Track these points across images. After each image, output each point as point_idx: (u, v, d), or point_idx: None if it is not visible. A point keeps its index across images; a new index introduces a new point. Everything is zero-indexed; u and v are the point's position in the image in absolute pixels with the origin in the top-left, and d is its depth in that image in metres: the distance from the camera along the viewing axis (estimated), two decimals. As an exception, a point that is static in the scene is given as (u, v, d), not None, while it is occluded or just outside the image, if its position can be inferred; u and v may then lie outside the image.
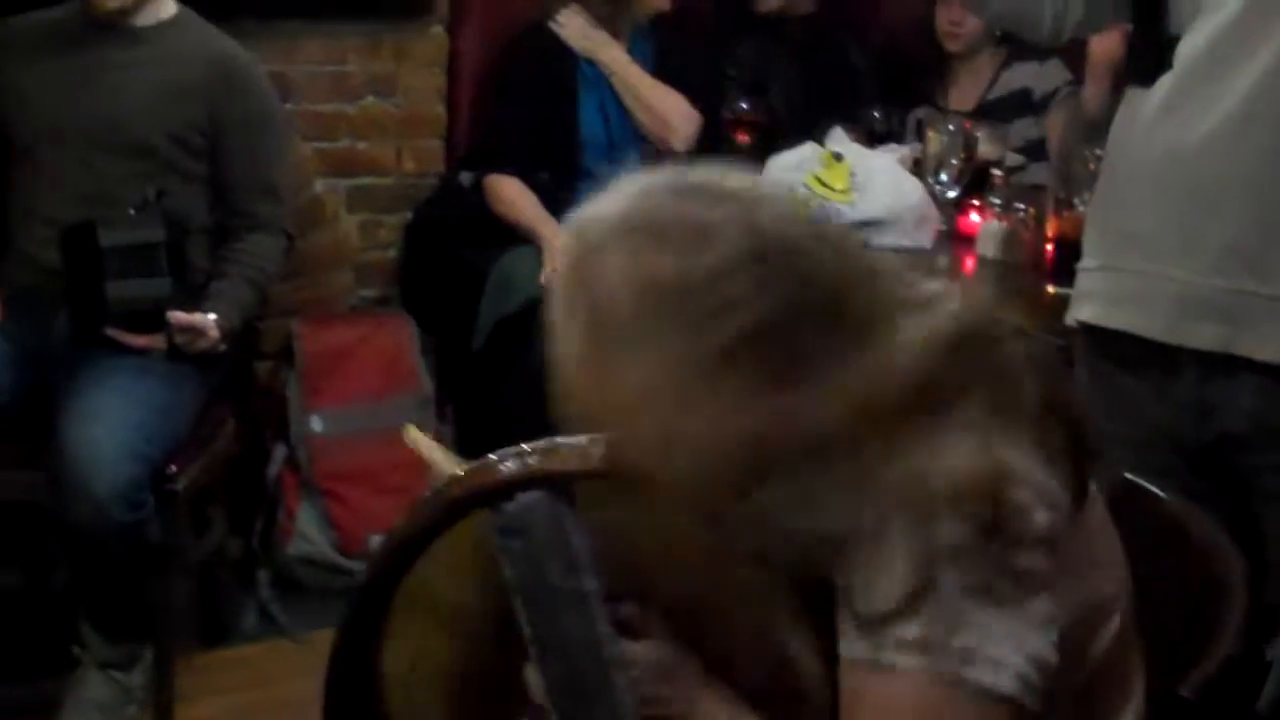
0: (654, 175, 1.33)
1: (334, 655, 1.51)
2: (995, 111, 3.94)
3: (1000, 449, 1.25)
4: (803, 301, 1.25)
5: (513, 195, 3.68)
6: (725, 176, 1.32)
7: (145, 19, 3.05)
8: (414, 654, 1.51)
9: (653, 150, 3.73)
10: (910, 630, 1.23)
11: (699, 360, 1.24)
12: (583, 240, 1.30)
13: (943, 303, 1.32)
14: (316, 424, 3.61)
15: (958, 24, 3.95)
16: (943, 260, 3.32)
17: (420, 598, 1.49)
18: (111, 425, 2.73)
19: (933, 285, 1.35)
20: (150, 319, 2.88)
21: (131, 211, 2.92)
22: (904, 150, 3.65)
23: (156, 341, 2.90)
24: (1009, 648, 1.23)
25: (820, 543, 1.25)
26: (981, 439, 1.25)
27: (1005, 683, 1.23)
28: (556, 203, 3.50)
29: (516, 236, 3.63)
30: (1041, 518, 1.24)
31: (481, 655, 1.49)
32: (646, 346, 1.25)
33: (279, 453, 3.60)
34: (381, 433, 3.56)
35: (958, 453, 1.24)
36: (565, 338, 1.30)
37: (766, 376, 1.25)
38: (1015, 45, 3.93)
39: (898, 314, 1.29)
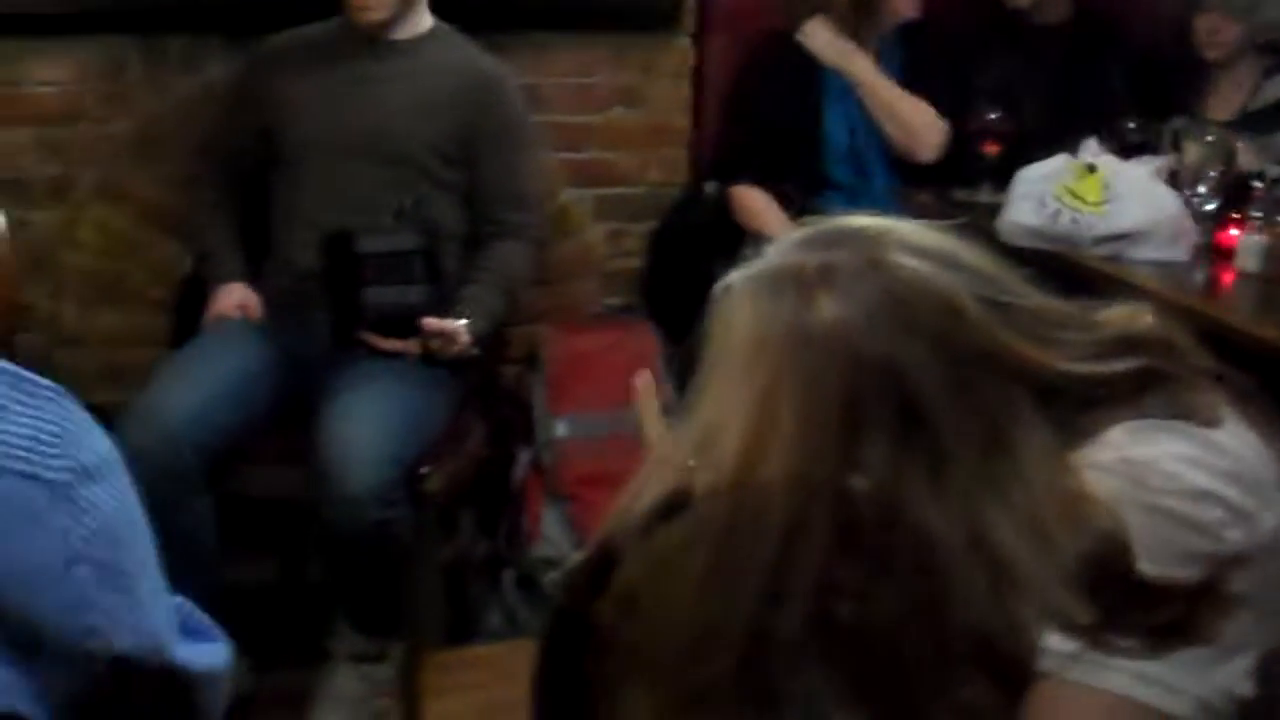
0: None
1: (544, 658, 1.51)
2: (1257, 122, 3.81)
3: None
4: (935, 338, 1.15)
5: (757, 205, 3.69)
6: (853, 219, 1.25)
7: (404, 33, 3.14)
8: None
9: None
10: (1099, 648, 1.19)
11: (822, 409, 1.15)
12: (724, 290, 1.25)
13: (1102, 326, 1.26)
14: (561, 429, 3.67)
15: (1217, 32, 3.84)
16: (1200, 275, 3.23)
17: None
18: (367, 427, 2.82)
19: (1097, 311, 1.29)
20: (405, 324, 2.97)
21: (389, 220, 3.02)
22: (1160, 162, 3.56)
23: (410, 346, 2.99)
24: (1187, 674, 1.18)
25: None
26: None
27: (1180, 708, 1.18)
28: (801, 213, 3.49)
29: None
30: (1235, 535, 1.20)
31: None
32: (758, 394, 1.17)
33: (524, 456, 3.67)
34: (624, 438, 3.59)
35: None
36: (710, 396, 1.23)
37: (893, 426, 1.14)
38: (1278, 53, 3.80)
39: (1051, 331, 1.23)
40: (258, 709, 2.96)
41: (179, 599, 1.14)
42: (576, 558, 1.32)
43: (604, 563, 1.34)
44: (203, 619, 1.17)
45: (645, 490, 1.24)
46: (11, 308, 2.06)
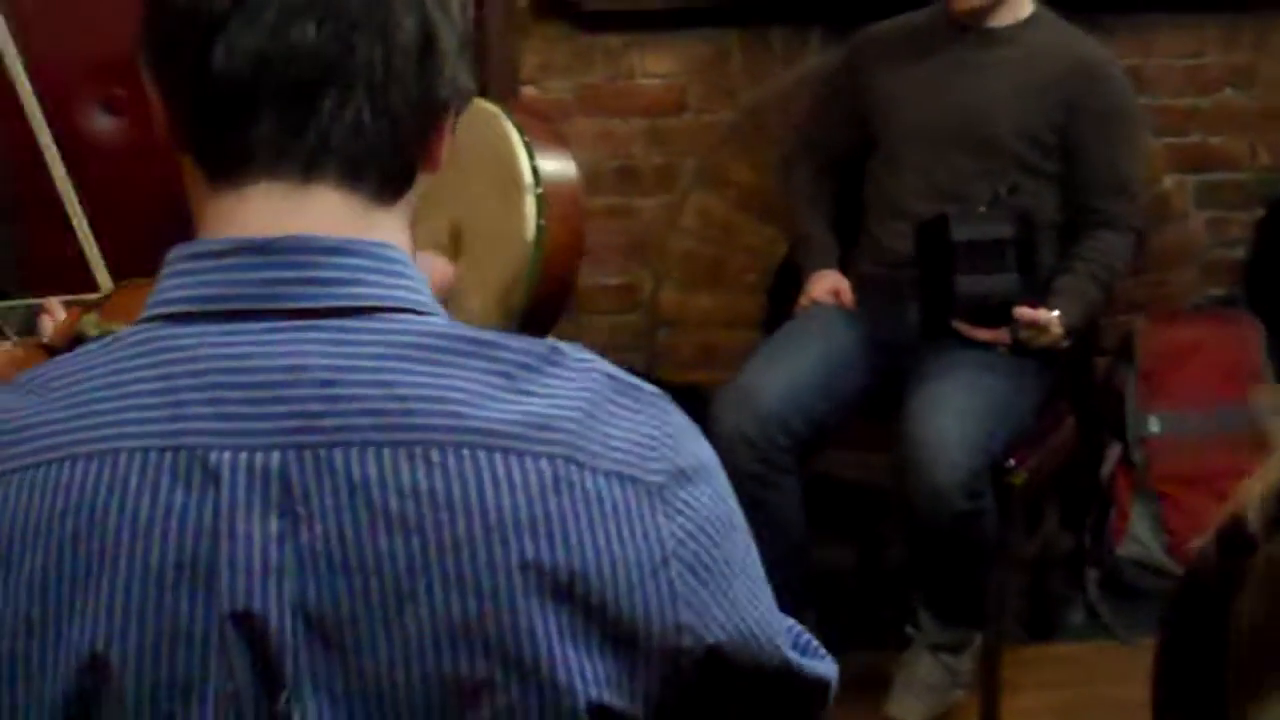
0: None
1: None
2: None
3: None
4: None
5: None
6: None
7: (1003, 19, 3.10)
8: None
9: None
10: None
11: None
12: None
13: None
14: (1154, 425, 3.53)
15: None
16: None
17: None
18: (955, 417, 2.81)
19: None
20: (996, 313, 2.93)
21: (983, 208, 2.99)
22: None
23: (1001, 336, 2.95)
24: None
25: None
26: None
27: None
28: None
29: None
30: None
31: None
32: None
33: (1114, 452, 3.56)
34: (1222, 437, 3.43)
35: None
36: None
37: None
38: None
39: None
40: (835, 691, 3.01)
41: (789, 620, 1.15)
42: (1202, 540, 1.24)
43: (1237, 545, 1.27)
44: (812, 642, 1.17)
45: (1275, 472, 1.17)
46: (577, 250, 2.19)
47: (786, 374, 2.97)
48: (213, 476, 0.95)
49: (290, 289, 0.99)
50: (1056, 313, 2.94)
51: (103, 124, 3.30)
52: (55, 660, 0.94)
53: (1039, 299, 2.96)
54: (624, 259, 3.67)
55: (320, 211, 1.01)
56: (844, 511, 3.32)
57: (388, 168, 1.03)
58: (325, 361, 0.97)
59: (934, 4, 3.14)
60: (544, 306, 2.21)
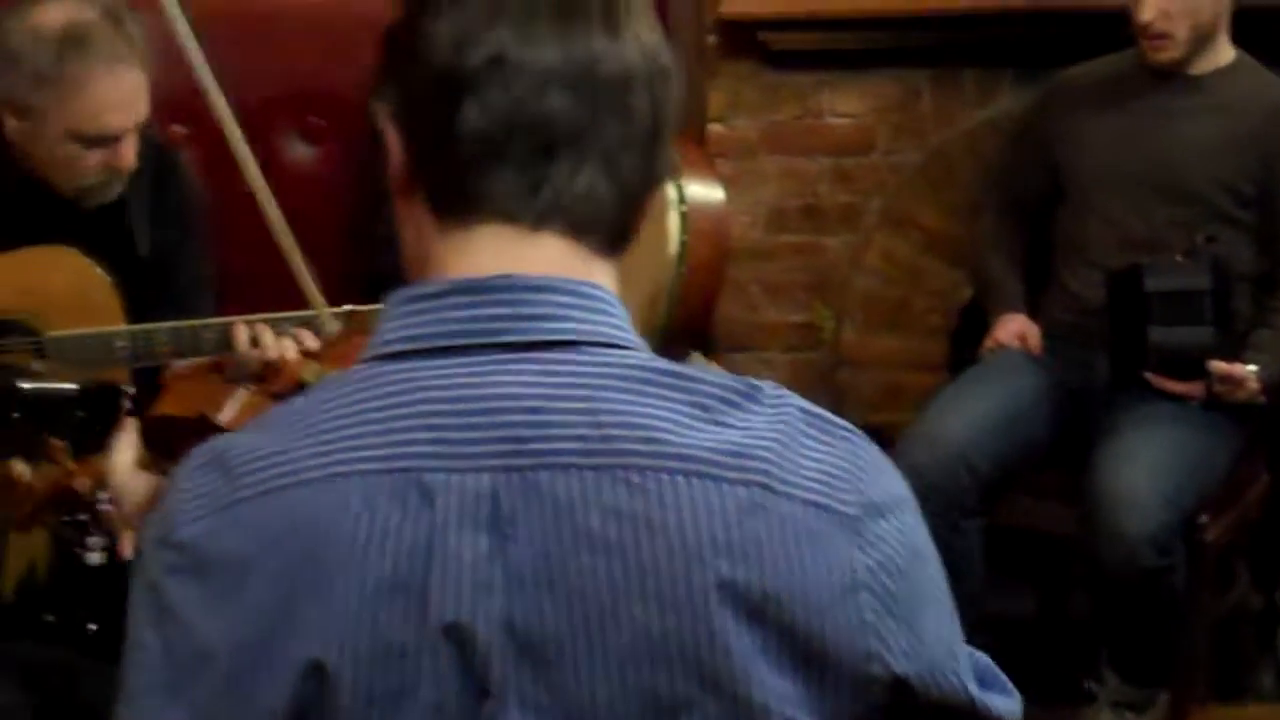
0: None
1: None
2: None
3: None
4: None
5: None
6: None
7: (1203, 67, 3.04)
8: None
9: None
10: None
11: None
12: None
13: None
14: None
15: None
16: None
17: None
18: (1146, 469, 2.76)
19: None
20: (1190, 366, 2.88)
21: (1178, 258, 2.94)
22: None
23: (1194, 389, 2.90)
24: None
25: None
26: None
27: None
28: None
29: None
30: None
31: None
32: None
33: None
34: None
35: None
36: None
37: None
38: None
39: None
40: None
41: (973, 650, 1.16)
42: None
43: None
44: (997, 674, 1.18)
45: None
46: (719, 270, 2.20)
47: (971, 417, 2.95)
48: (428, 497, 1.01)
49: (501, 324, 1.05)
50: (1253, 367, 2.87)
51: (299, 152, 3.37)
52: (278, 671, 0.99)
53: (1235, 353, 2.90)
54: (807, 296, 3.67)
55: (542, 257, 1.07)
56: (1025, 560, 3.28)
57: (612, 230, 1.09)
58: (534, 390, 1.03)
59: (1130, 49, 3.10)
60: (686, 324, 2.23)
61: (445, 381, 1.04)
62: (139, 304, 2.52)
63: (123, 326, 2.46)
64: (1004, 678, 1.18)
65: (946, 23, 3.51)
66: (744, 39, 3.53)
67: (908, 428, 3.00)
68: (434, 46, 1.05)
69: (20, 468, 1.78)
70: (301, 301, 2.44)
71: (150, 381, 2.32)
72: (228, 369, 1.69)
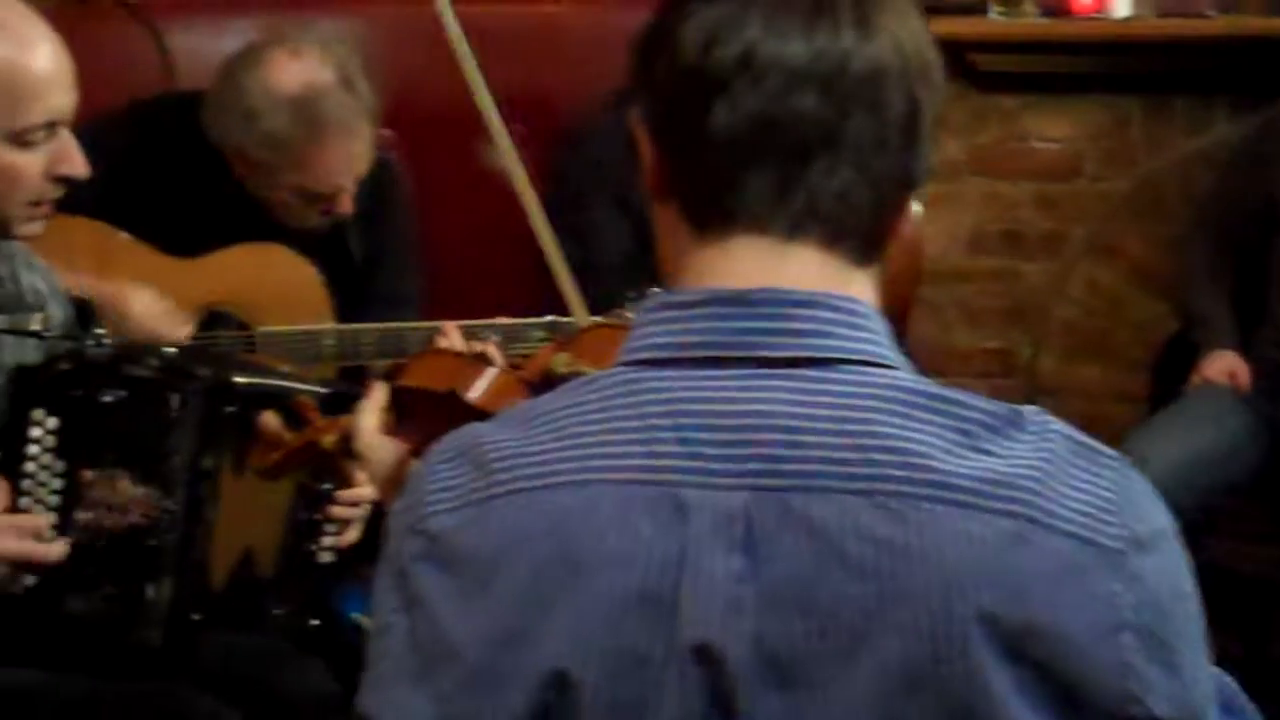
0: None
1: None
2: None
3: None
4: None
5: None
6: None
7: None
8: None
9: None
10: None
11: None
12: None
13: None
14: None
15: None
16: None
17: None
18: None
19: None
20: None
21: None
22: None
23: None
24: None
25: None
26: None
27: None
28: None
29: None
30: None
31: None
32: None
33: None
34: None
35: None
36: None
37: None
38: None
39: None
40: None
41: (1218, 672, 1.12)
42: None
43: None
44: (1238, 696, 1.14)
45: None
46: (913, 278, 2.15)
47: (1174, 454, 2.88)
48: (681, 512, 1.00)
49: (762, 339, 1.03)
50: None
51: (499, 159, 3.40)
52: (523, 672, 1.00)
53: None
54: (1004, 323, 3.62)
55: (799, 269, 1.05)
56: (1228, 602, 3.18)
57: (867, 235, 1.06)
58: (791, 409, 1.01)
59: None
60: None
61: (701, 394, 1.02)
62: (348, 304, 2.58)
63: (331, 325, 2.51)
64: (1247, 703, 1.14)
65: (1160, 49, 3.43)
66: (952, 59, 3.48)
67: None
68: (683, 48, 1.04)
69: (271, 419, 1.81)
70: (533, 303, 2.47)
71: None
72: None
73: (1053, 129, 3.55)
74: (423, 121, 3.05)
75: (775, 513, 0.99)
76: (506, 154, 2.06)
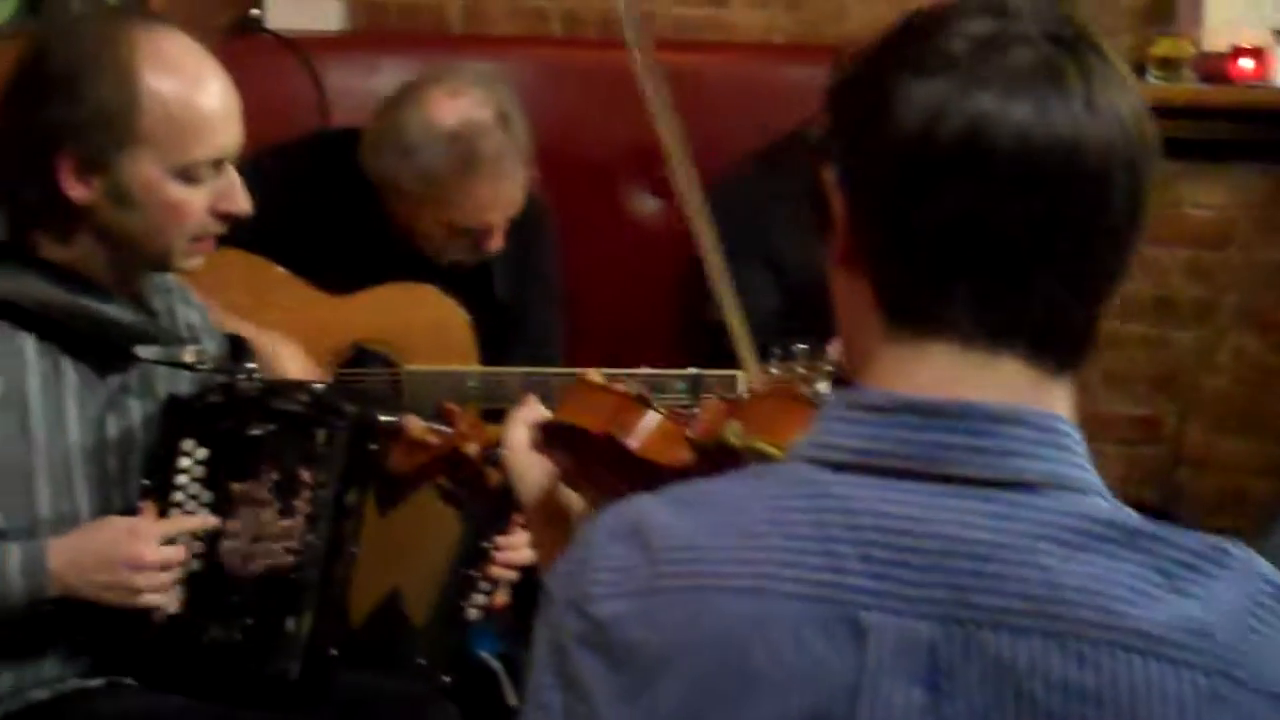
0: None
1: None
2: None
3: None
4: None
5: None
6: None
7: None
8: None
9: None
10: None
11: None
12: None
13: None
14: None
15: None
16: None
17: None
18: None
19: None
20: None
21: None
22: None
23: None
24: None
25: None
26: None
27: None
28: None
29: None
30: None
31: None
32: None
33: None
34: None
35: None
36: None
37: None
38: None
39: None
40: None
41: None
42: None
43: None
44: None
45: None
46: None
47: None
48: (860, 635, 0.95)
49: (956, 455, 0.98)
50: None
51: (646, 206, 3.41)
52: None
53: None
54: (1151, 391, 3.55)
55: (998, 381, 0.99)
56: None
57: (1074, 343, 1.01)
58: (984, 536, 0.95)
59: None
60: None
61: (886, 509, 0.97)
62: (492, 344, 2.60)
63: (476, 367, 2.53)
64: None
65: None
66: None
67: (1251, 539, 2.84)
68: (899, 123, 0.97)
69: (416, 421, 1.81)
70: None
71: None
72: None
73: (1207, 196, 3.48)
74: (568, 165, 3.08)
75: (961, 646, 0.94)
76: (692, 205, 2.04)
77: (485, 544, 2.10)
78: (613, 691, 0.99)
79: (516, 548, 2.08)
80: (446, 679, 2.14)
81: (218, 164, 1.95)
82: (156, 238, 1.94)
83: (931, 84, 0.97)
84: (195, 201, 1.93)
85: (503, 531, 2.08)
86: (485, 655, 2.50)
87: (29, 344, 1.92)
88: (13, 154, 1.93)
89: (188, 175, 1.92)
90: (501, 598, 2.13)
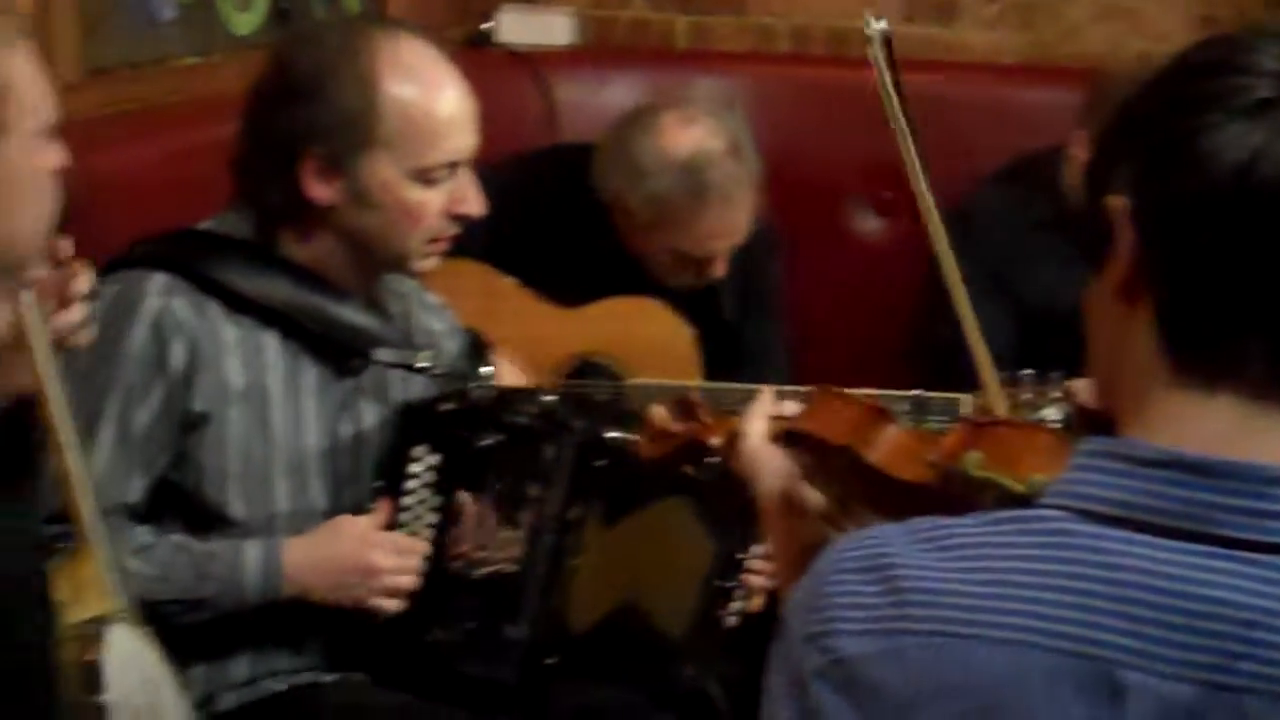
0: None
1: None
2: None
3: None
4: None
5: None
6: None
7: None
8: None
9: None
10: None
11: None
12: None
13: None
14: None
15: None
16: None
17: None
18: None
19: None
20: None
21: None
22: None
23: None
24: None
25: None
26: None
27: None
28: None
29: None
30: None
31: None
32: None
33: None
34: None
35: None
36: None
37: None
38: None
39: None
40: None
41: None
42: None
43: None
44: None
45: None
46: None
47: None
48: (1118, 694, 0.93)
49: (1226, 516, 0.94)
50: None
51: (869, 225, 3.40)
52: None
53: None
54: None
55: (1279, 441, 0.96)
56: None
57: None
58: (1253, 600, 0.92)
59: None
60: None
61: (1150, 567, 0.95)
62: (716, 360, 2.64)
63: (698, 382, 2.56)
64: None
65: None
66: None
67: None
68: (1213, 156, 0.93)
69: (660, 411, 1.85)
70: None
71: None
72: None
73: None
74: (793, 182, 3.08)
75: (1225, 714, 0.92)
76: (933, 225, 2.03)
77: (739, 555, 2.13)
78: None
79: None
80: (711, 687, 2.18)
81: (453, 167, 1.99)
82: (394, 238, 1.99)
83: (1244, 126, 0.93)
84: (431, 203, 1.98)
85: (756, 541, 2.11)
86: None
87: (272, 342, 2.00)
88: (260, 156, 2.00)
89: (424, 177, 1.97)
90: (758, 602, 2.16)
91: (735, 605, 2.17)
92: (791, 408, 1.61)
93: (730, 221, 2.57)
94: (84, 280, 1.60)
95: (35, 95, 1.39)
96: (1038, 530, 0.99)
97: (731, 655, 2.19)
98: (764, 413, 1.55)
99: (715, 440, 1.74)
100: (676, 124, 2.56)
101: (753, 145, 2.60)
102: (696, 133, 2.55)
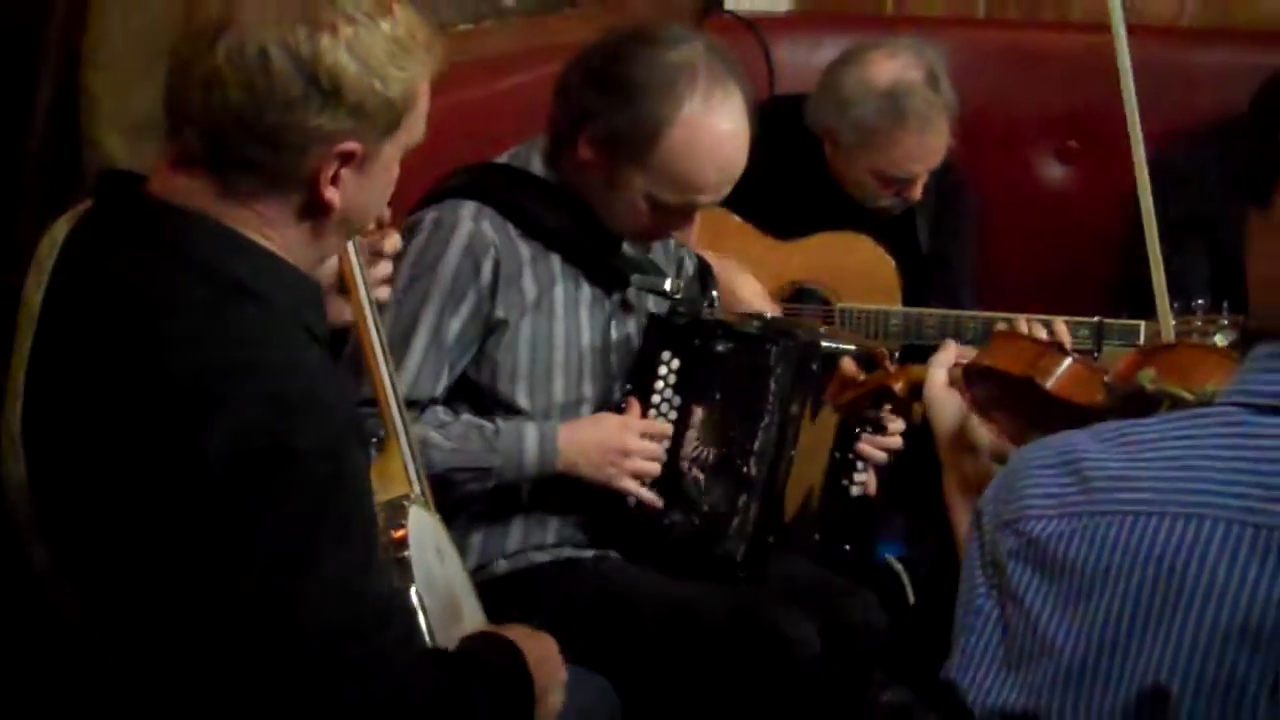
0: None
1: None
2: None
3: None
4: None
5: None
6: None
7: None
8: None
9: None
10: None
11: None
12: None
13: None
14: None
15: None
16: None
17: None
18: None
19: None
20: None
21: None
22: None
23: None
24: None
25: None
26: None
27: None
28: None
29: None
30: None
31: None
32: None
33: None
34: None
35: None
36: None
37: None
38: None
39: None
40: None
41: None
42: None
43: None
44: None
45: None
46: None
47: None
48: None
49: None
50: None
51: (1054, 172, 3.58)
52: (1121, 678, 1.08)
53: None
54: None
55: None
56: None
57: None
58: None
59: None
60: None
61: None
62: (914, 290, 2.90)
63: (900, 307, 2.84)
64: None
65: None
66: None
67: None
68: None
69: (849, 362, 2.06)
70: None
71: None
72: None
73: None
74: (987, 135, 3.28)
75: None
76: (1139, 171, 2.26)
77: (857, 429, 2.36)
78: (1049, 601, 1.11)
79: (890, 433, 2.34)
80: (846, 547, 2.40)
81: (688, 207, 2.24)
82: (609, 220, 2.26)
83: None
84: (653, 218, 2.23)
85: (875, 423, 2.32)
86: (890, 559, 2.81)
87: (557, 262, 2.27)
88: (561, 106, 2.24)
89: (659, 206, 2.21)
90: (873, 481, 2.37)
91: (859, 476, 2.37)
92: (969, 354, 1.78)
93: (927, 145, 2.79)
94: (393, 241, 1.90)
95: (421, 115, 1.53)
96: (1212, 422, 1.12)
97: (856, 526, 2.40)
98: (946, 361, 1.72)
99: (897, 386, 1.92)
100: (879, 58, 2.81)
101: (948, 79, 2.81)
102: (896, 65, 2.79)
